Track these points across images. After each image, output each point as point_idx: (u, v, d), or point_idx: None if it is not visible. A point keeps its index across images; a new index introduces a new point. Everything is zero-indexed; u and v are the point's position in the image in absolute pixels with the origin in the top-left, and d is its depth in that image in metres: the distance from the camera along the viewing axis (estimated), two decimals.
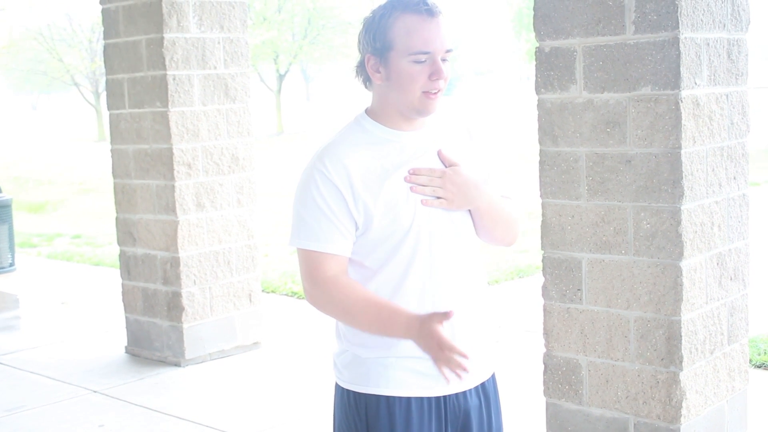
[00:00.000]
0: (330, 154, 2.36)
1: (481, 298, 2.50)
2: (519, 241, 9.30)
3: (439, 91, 2.34)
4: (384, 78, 2.36)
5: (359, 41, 2.41)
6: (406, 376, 2.39)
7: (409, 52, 2.31)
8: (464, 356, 2.18)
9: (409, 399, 2.39)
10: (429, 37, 2.31)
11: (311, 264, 2.36)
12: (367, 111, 2.46)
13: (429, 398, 2.40)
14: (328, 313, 2.41)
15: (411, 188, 2.35)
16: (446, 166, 2.39)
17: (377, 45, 2.34)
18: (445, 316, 2.19)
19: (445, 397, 2.42)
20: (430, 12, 2.31)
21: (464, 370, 2.20)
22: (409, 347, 2.37)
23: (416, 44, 2.30)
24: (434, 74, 2.32)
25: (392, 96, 2.37)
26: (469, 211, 2.45)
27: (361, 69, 2.42)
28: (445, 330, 2.21)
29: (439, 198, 2.36)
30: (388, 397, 2.39)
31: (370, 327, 2.34)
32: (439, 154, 2.40)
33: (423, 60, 2.31)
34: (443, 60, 2.34)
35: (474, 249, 2.50)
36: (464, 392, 2.45)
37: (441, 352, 2.19)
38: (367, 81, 2.43)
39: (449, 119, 2.52)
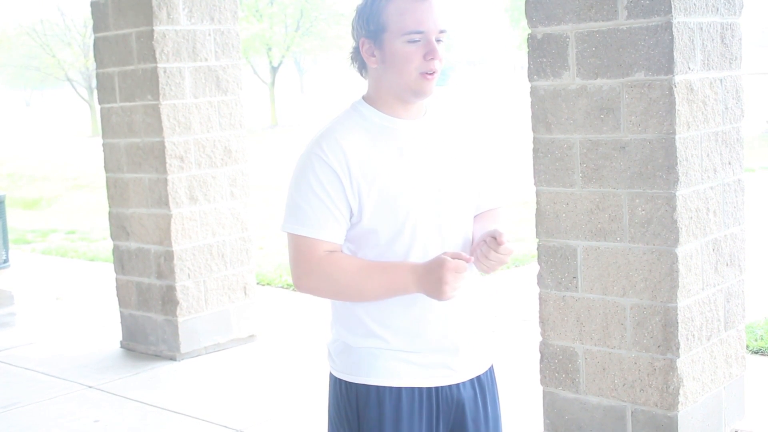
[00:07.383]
0: (328, 138, 2.34)
1: (475, 291, 2.48)
2: (514, 230, 9.32)
3: (435, 72, 2.33)
4: (379, 61, 2.35)
5: (353, 27, 2.40)
6: (397, 366, 2.36)
7: (402, 32, 2.30)
8: (468, 260, 2.24)
9: (399, 389, 2.36)
10: (422, 17, 2.30)
11: (303, 249, 2.33)
12: (364, 97, 2.44)
13: (420, 389, 2.37)
14: (327, 293, 2.36)
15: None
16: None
17: (371, 28, 2.33)
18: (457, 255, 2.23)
19: (437, 388, 2.39)
20: None
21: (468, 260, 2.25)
22: (400, 339, 2.35)
23: (409, 24, 2.29)
24: (429, 54, 2.31)
25: (388, 79, 2.35)
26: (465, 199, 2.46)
27: (356, 55, 2.40)
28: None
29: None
30: (378, 387, 2.37)
31: (378, 290, 2.31)
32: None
33: (417, 40, 2.30)
34: (438, 41, 2.32)
35: (468, 239, 2.48)
36: (457, 384, 2.42)
37: (448, 271, 2.21)
38: (362, 68, 2.41)
39: (450, 115, 2.50)
